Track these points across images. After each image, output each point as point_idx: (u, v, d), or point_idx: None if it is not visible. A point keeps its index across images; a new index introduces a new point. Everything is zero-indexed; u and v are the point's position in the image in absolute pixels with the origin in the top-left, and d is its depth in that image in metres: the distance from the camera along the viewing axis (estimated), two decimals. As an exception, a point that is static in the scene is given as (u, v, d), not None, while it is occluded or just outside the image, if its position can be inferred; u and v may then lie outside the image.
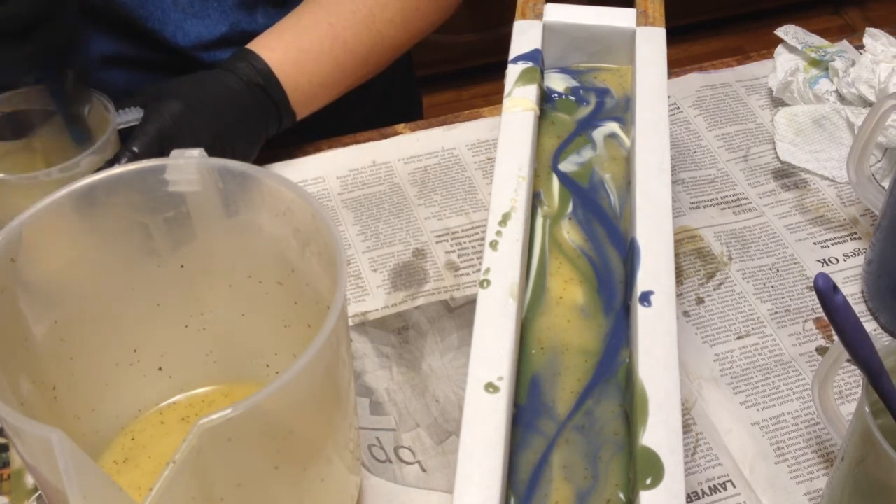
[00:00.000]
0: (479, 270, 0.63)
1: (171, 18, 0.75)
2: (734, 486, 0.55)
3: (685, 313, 0.64)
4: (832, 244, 0.68)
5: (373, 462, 0.56)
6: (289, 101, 0.71)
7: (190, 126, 0.64)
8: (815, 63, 0.78)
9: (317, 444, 0.45)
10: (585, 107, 0.61)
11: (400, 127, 0.77)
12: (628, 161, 0.57)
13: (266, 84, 0.69)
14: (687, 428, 0.57)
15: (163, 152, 0.62)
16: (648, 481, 0.41)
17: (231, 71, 0.69)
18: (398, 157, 0.75)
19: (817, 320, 0.63)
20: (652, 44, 0.60)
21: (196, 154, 0.48)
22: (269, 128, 0.71)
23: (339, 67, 0.74)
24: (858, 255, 0.68)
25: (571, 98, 0.62)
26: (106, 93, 0.65)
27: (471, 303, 0.64)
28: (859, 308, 0.64)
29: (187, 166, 0.48)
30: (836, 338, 0.50)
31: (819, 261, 0.67)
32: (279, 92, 0.70)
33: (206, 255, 0.52)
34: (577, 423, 0.46)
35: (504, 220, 0.51)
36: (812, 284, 0.58)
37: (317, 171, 0.74)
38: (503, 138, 0.55)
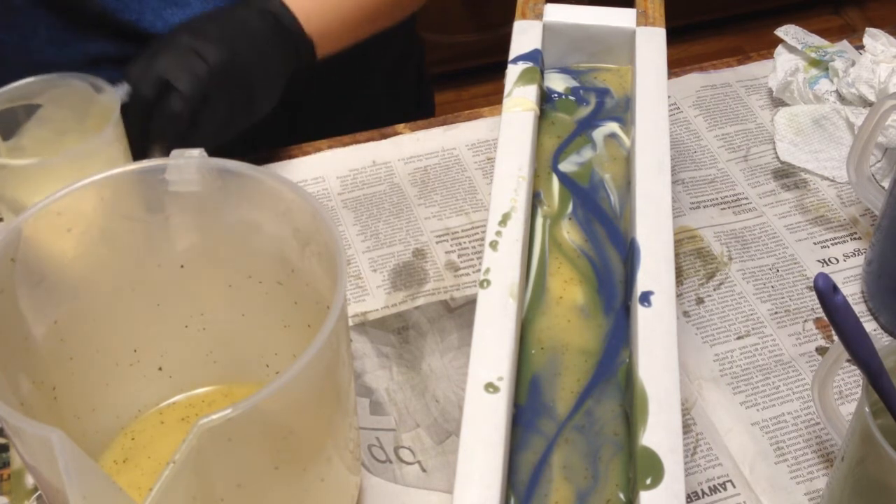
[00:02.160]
0: (479, 270, 0.63)
1: (148, 7, 0.74)
2: (734, 486, 0.55)
3: (685, 313, 0.64)
4: (832, 244, 0.68)
5: (373, 462, 0.56)
6: (303, 30, 0.69)
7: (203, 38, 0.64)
8: (815, 63, 0.78)
9: (317, 444, 0.45)
10: (585, 107, 0.61)
11: (400, 127, 0.77)
12: (628, 161, 0.57)
13: (278, 13, 0.68)
14: (687, 428, 0.57)
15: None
16: (648, 481, 0.42)
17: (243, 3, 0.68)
18: (398, 157, 0.75)
19: (817, 320, 0.63)
20: (652, 44, 0.60)
21: (196, 154, 0.48)
22: (289, 59, 0.69)
23: (356, 3, 0.73)
24: (858, 255, 0.68)
25: (571, 98, 0.62)
26: None
27: (471, 303, 0.64)
28: (859, 308, 0.64)
29: (187, 166, 0.48)
30: (836, 338, 0.50)
31: (819, 261, 0.67)
32: (291, 19, 0.69)
33: (206, 255, 0.52)
34: (577, 423, 0.46)
35: (504, 220, 0.51)
36: (812, 284, 0.58)
37: (317, 171, 0.74)
38: (503, 138, 0.55)
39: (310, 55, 0.71)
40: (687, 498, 0.54)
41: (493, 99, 0.68)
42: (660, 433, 0.43)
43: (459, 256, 0.67)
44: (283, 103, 0.76)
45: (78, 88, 0.63)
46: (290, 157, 0.75)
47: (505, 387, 0.44)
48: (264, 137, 0.72)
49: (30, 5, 0.74)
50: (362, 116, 0.84)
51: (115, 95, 0.62)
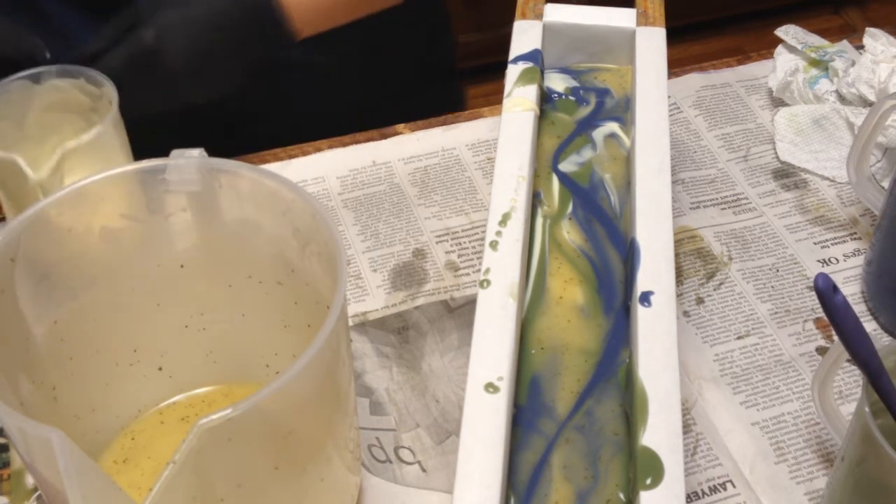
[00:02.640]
0: (479, 270, 0.63)
1: None
2: (734, 486, 0.55)
3: (685, 313, 0.64)
4: (832, 244, 0.68)
5: (373, 462, 0.56)
6: (281, 8, 0.68)
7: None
8: (815, 63, 0.78)
9: (317, 444, 0.45)
10: (585, 107, 0.61)
11: (400, 127, 0.77)
12: (628, 161, 0.57)
13: None
14: (687, 428, 0.57)
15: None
16: (648, 481, 0.42)
17: None
18: (398, 157, 0.75)
19: (817, 320, 0.63)
20: (652, 44, 0.60)
21: (196, 154, 0.48)
22: (254, 38, 0.67)
23: None
24: (858, 255, 0.68)
25: (571, 98, 0.62)
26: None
27: (471, 303, 0.64)
28: (859, 308, 0.64)
29: (187, 166, 0.48)
30: (836, 338, 0.50)
31: (819, 261, 0.67)
32: None
33: (206, 255, 0.52)
34: (577, 423, 0.46)
35: (504, 220, 0.51)
36: (812, 284, 0.58)
37: (317, 171, 0.74)
38: (503, 138, 0.55)
39: (288, 34, 0.69)
40: (687, 498, 0.54)
41: (493, 99, 0.68)
42: (660, 433, 0.43)
43: (459, 256, 0.67)
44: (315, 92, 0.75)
45: (12, 92, 0.60)
46: (290, 157, 0.75)
47: (505, 387, 0.44)
48: (300, 125, 0.70)
49: (64, 8, 0.73)
50: (393, 109, 0.82)
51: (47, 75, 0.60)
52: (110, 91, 0.60)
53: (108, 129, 0.59)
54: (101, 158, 0.60)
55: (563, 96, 0.62)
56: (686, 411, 0.58)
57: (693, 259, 0.67)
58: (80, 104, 0.62)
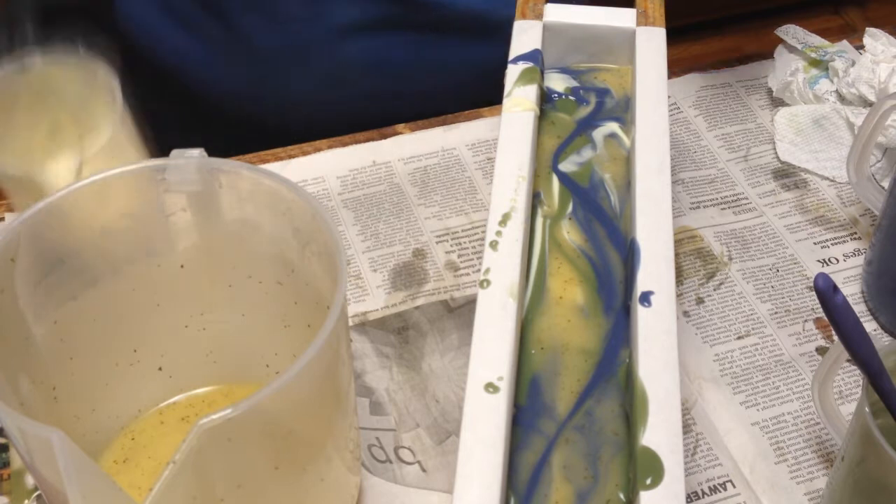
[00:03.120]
0: (479, 270, 0.63)
1: None
2: (734, 486, 0.55)
3: (685, 313, 0.64)
4: (832, 244, 0.68)
5: (373, 462, 0.56)
6: None
7: None
8: (815, 63, 0.78)
9: (317, 444, 0.45)
10: (585, 107, 0.61)
11: (400, 127, 0.77)
12: (628, 161, 0.57)
13: None
14: (687, 428, 0.57)
15: None
16: (648, 481, 0.42)
17: None
18: (398, 157, 0.75)
19: (817, 320, 0.63)
20: (652, 44, 0.60)
21: (196, 154, 0.48)
22: None
23: None
24: (858, 255, 0.68)
25: (571, 98, 0.62)
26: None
27: (471, 303, 0.64)
28: (859, 308, 0.64)
29: (187, 166, 0.48)
30: (836, 338, 0.50)
31: (819, 261, 0.67)
32: None
33: (206, 255, 0.52)
34: (577, 423, 0.46)
35: (504, 220, 0.51)
36: (812, 284, 0.58)
37: (317, 171, 0.74)
38: (503, 138, 0.55)
39: None
40: (687, 498, 0.54)
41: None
42: (660, 433, 0.43)
43: (459, 256, 0.67)
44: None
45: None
46: (290, 157, 0.75)
47: (505, 387, 0.44)
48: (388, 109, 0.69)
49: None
50: (459, 97, 0.82)
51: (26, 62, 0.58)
52: (111, 81, 0.58)
53: (118, 129, 0.58)
54: (118, 160, 0.58)
55: (563, 96, 0.62)
56: (686, 411, 0.58)
57: (693, 259, 0.67)
58: (73, 87, 0.59)
